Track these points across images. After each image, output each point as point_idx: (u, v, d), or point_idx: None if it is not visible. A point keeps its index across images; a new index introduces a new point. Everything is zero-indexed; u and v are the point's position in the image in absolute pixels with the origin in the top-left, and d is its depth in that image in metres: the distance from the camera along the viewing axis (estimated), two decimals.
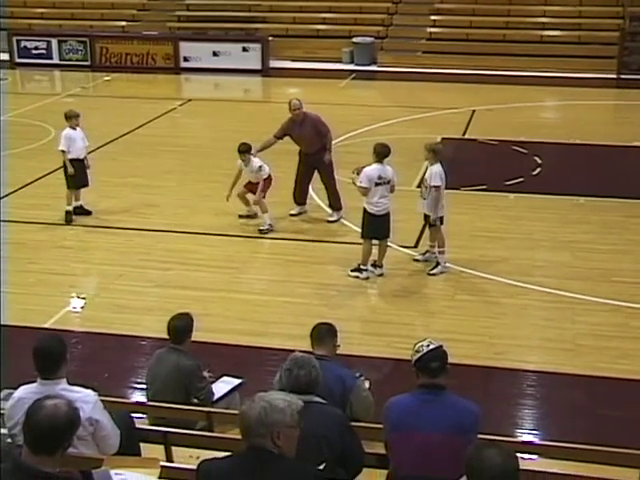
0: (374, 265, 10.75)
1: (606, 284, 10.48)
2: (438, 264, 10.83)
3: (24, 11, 28.90)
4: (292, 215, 12.81)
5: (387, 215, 10.59)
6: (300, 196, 12.88)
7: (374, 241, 10.76)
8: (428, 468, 4.85)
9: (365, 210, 10.58)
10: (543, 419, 7.97)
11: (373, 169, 10.43)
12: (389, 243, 10.93)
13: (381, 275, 10.74)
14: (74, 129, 12.58)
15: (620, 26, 25.04)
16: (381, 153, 10.46)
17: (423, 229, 11.54)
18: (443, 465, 4.73)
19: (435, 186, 10.51)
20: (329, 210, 12.82)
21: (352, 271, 10.72)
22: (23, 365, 5.81)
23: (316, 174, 12.79)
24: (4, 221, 12.63)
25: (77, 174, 12.61)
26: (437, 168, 10.58)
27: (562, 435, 7.03)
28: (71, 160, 12.52)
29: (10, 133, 17.80)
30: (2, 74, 24.13)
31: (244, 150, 12.26)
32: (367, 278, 10.67)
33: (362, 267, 10.70)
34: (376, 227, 10.59)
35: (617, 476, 5.59)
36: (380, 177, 10.37)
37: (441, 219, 10.75)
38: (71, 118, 12.60)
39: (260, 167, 12.26)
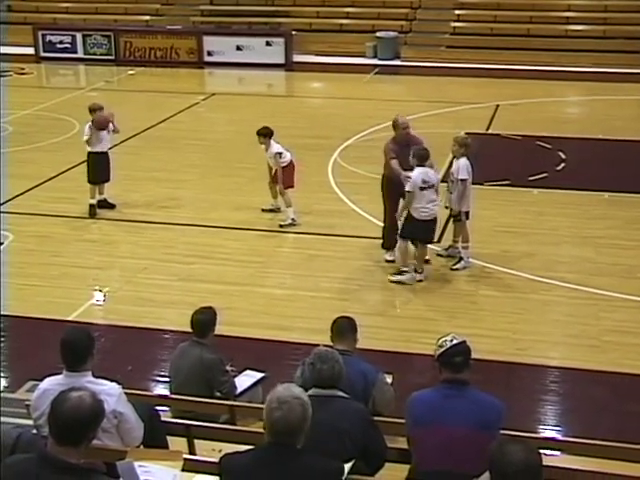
0: (415, 270, 10.42)
1: (631, 280, 10.39)
2: (461, 259, 10.78)
3: (49, 5, 29.05)
4: (388, 261, 10.89)
5: (433, 220, 10.26)
6: (391, 239, 10.81)
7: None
8: (450, 463, 4.84)
9: (409, 214, 10.18)
10: (566, 415, 7.94)
11: (416, 174, 10.03)
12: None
13: (421, 281, 10.37)
14: None
15: None
16: (422, 156, 10.07)
17: (447, 223, 11.50)
18: (465, 460, 4.72)
19: (462, 179, 10.45)
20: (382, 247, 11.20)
21: (393, 275, 10.44)
22: (47, 357, 5.86)
23: None
24: (28, 214, 12.73)
25: (100, 168, 12.67)
26: (464, 161, 10.52)
27: (586, 431, 6.97)
28: (95, 153, 12.58)
29: (35, 127, 17.94)
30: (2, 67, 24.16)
31: (263, 133, 12.06)
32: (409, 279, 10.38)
33: (402, 269, 10.43)
34: (417, 230, 10.21)
35: None
36: (424, 181, 10.00)
37: (467, 214, 10.69)
38: (94, 111, 12.62)
39: (280, 154, 12.04)
